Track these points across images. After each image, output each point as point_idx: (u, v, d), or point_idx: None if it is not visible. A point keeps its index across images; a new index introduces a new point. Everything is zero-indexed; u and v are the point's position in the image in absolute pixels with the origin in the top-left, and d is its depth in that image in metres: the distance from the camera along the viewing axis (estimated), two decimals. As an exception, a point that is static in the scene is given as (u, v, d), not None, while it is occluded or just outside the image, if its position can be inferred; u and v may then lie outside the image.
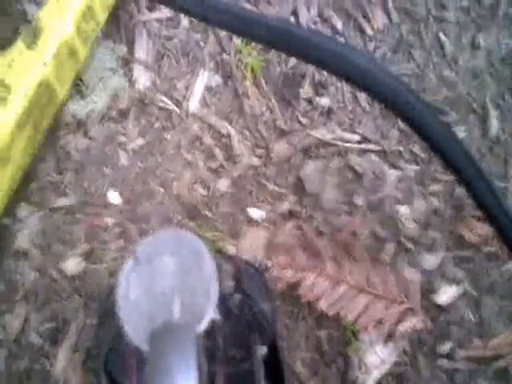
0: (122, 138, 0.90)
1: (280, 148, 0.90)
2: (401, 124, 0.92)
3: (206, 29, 0.97)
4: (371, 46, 0.98)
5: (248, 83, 0.94)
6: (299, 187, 0.88)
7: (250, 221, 0.85)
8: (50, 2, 0.83)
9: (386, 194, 0.87)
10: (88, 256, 0.83)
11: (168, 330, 0.39)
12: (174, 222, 0.85)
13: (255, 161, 0.90)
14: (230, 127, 0.92)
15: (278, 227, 0.85)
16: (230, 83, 0.94)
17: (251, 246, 0.83)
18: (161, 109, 0.92)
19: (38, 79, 0.80)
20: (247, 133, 0.92)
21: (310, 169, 0.89)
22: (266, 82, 0.95)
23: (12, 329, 0.78)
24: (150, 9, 0.98)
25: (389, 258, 0.82)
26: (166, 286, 0.43)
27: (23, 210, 0.85)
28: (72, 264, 0.82)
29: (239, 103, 0.93)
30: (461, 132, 0.93)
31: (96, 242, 0.83)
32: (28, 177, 0.87)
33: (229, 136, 0.91)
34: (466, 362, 0.80)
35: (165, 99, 0.92)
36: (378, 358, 0.76)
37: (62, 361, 0.76)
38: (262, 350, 0.59)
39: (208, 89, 0.94)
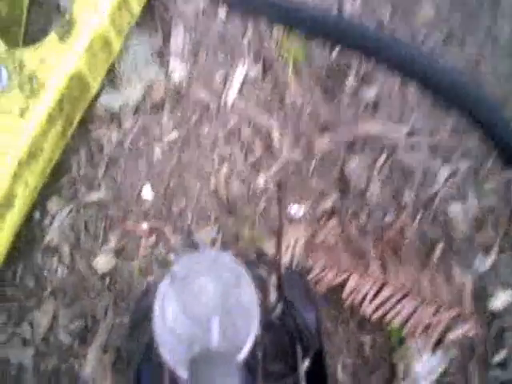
0: (157, 131, 0.95)
1: (323, 142, 0.93)
2: (454, 116, 0.94)
3: (244, 20, 1.02)
4: (420, 37, 1.00)
5: (289, 74, 0.98)
6: (343, 183, 0.92)
7: (290, 218, 0.89)
8: (84, -8, 0.89)
9: (437, 191, 0.90)
10: (119, 253, 0.88)
11: (208, 359, 0.40)
12: (210, 219, 0.89)
13: (296, 155, 0.94)
14: (270, 120, 0.96)
15: (319, 225, 0.89)
16: (270, 74, 0.99)
17: (290, 245, 0.86)
18: (197, 101, 0.97)
19: (70, 72, 0.87)
20: (288, 126, 0.96)
21: (355, 164, 0.92)
22: (309, 73, 0.98)
23: (40, 326, 0.85)
24: (186, 0, 1.03)
25: (439, 260, 0.85)
26: (204, 308, 0.45)
27: (54, 204, 0.92)
28: (103, 260, 0.87)
29: (280, 95, 0.98)
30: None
31: (128, 239, 0.88)
32: (60, 170, 0.93)
33: (269, 129, 0.95)
34: (522, 372, 0.81)
35: (201, 91, 0.97)
36: (425, 366, 0.78)
37: (92, 361, 0.82)
38: (305, 364, 0.62)
39: (247, 80, 0.99)
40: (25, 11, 1.02)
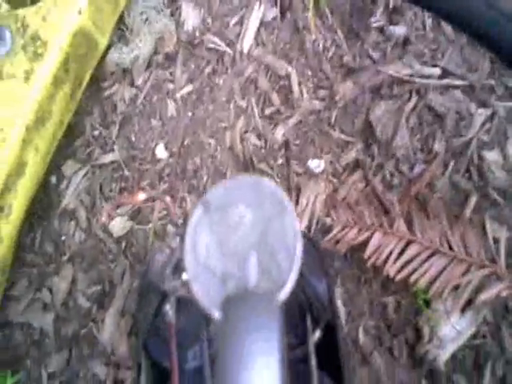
0: (170, 86, 0.92)
1: (346, 88, 0.88)
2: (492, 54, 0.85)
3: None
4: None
5: (310, 15, 0.92)
6: (368, 133, 0.87)
7: (310, 173, 0.84)
8: None
9: (472, 138, 0.83)
10: (135, 216, 0.87)
11: (245, 299, 0.36)
12: (226, 177, 0.87)
13: (317, 104, 0.89)
14: (289, 67, 0.92)
15: (341, 180, 0.84)
16: (288, 16, 0.94)
17: (310, 201, 0.82)
18: (211, 51, 0.94)
19: (73, 29, 0.84)
20: (309, 73, 0.91)
21: (381, 111, 0.86)
22: (331, 13, 0.93)
23: (59, 292, 0.86)
24: None
25: (471, 214, 0.79)
26: (241, 241, 0.40)
27: (69, 168, 0.91)
28: (118, 224, 0.86)
29: (300, 39, 0.93)
30: None
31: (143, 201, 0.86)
32: (73, 132, 0.92)
33: (288, 77, 0.91)
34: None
35: (216, 40, 0.94)
36: (453, 329, 0.74)
37: (110, 326, 0.83)
38: (315, 336, 0.59)
39: (264, 24, 0.94)
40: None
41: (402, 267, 0.77)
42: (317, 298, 0.60)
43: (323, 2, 0.92)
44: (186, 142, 0.90)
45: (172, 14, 0.96)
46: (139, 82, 0.94)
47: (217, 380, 0.31)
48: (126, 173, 0.91)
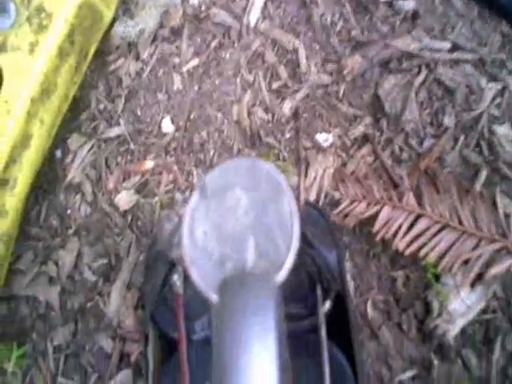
0: (176, 60, 0.90)
1: (354, 62, 0.86)
2: (504, 26, 0.83)
3: None
4: None
5: (318, -12, 0.89)
6: (376, 107, 0.85)
7: (318, 147, 0.83)
8: None
9: (482, 112, 0.81)
10: (141, 189, 0.86)
11: (241, 281, 0.36)
12: (233, 151, 0.84)
13: (325, 78, 0.87)
14: (296, 41, 0.90)
15: (350, 154, 0.83)
16: None
17: (318, 175, 0.80)
18: (217, 24, 0.91)
19: (78, 1, 0.82)
20: (316, 46, 0.89)
21: (390, 85, 0.85)
22: None
23: (65, 265, 0.84)
24: None
25: (481, 188, 0.78)
26: (238, 224, 0.40)
27: (74, 141, 0.90)
28: (124, 197, 0.85)
29: (307, 12, 0.91)
30: None
31: (149, 174, 0.85)
32: (78, 106, 0.91)
33: (295, 51, 0.89)
34: None
35: (222, 13, 0.92)
36: (463, 304, 0.72)
37: (116, 300, 0.81)
38: (326, 306, 0.58)
39: (271, -3, 0.91)
40: None
41: (412, 241, 0.75)
42: (327, 268, 0.59)
43: (331, -25, 0.90)
44: (192, 116, 0.88)
45: (178, -13, 0.94)
46: (145, 55, 0.92)
47: (215, 362, 0.31)
48: (132, 147, 0.88)
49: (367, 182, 0.80)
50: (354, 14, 0.89)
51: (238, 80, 0.89)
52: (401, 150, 0.82)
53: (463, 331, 0.72)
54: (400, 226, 0.76)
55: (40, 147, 0.84)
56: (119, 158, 0.89)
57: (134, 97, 0.91)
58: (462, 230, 0.75)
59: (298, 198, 0.57)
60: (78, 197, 0.88)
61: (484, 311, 0.73)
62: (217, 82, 0.89)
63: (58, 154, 0.91)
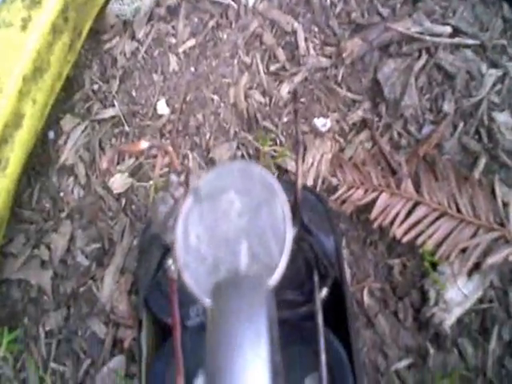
0: (172, 40, 0.89)
1: (354, 45, 0.84)
2: (506, 10, 0.82)
3: None
4: None
5: (317, -31, 0.87)
6: (375, 92, 0.84)
7: (316, 132, 0.81)
8: None
9: (482, 99, 0.80)
10: (135, 172, 0.84)
11: (234, 284, 0.36)
12: (229, 134, 0.83)
13: (324, 61, 0.86)
14: (295, 23, 0.88)
15: (348, 139, 0.81)
16: None
17: (316, 160, 0.79)
18: (215, 4, 0.90)
19: None
20: (315, 29, 0.87)
21: (390, 69, 0.83)
22: None
23: (57, 249, 0.83)
24: None
25: (480, 176, 0.76)
26: (231, 227, 0.40)
27: (68, 122, 0.88)
28: (118, 180, 0.83)
29: (306, -7, 0.87)
30: None
31: (143, 157, 0.83)
32: (72, 86, 0.89)
33: (294, 33, 0.88)
34: None
35: (220, -8, 0.88)
36: (459, 293, 0.72)
37: (109, 284, 0.80)
38: (323, 293, 0.57)
39: (270, -23, 0.89)
40: None
41: (409, 229, 0.74)
42: (324, 254, 0.59)
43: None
44: (188, 98, 0.86)
45: (175, -37, 0.91)
46: (140, 35, 0.90)
47: (207, 363, 0.31)
48: (127, 128, 0.87)
49: (365, 168, 0.79)
50: (354, -4, 0.87)
51: (236, 62, 0.87)
52: (399, 135, 0.81)
53: (459, 320, 0.72)
54: (397, 214, 0.75)
55: (32, 127, 0.82)
56: (113, 140, 0.87)
57: (128, 77, 0.89)
58: (460, 218, 0.74)
59: (295, 184, 0.55)
60: (71, 179, 0.87)
61: (481, 300, 0.72)
62: (213, 63, 0.87)
63: (51, 134, 0.89)
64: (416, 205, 0.75)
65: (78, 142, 0.87)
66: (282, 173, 0.81)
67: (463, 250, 0.72)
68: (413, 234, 0.74)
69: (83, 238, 0.83)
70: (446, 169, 0.76)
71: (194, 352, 0.56)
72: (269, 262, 0.39)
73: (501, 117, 0.80)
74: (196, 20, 0.90)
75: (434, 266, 0.73)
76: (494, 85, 0.81)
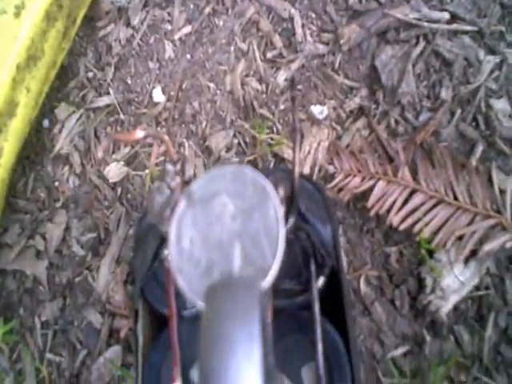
0: (168, 27, 0.88)
1: (351, 32, 0.84)
2: (504, -2, 0.82)
3: None
4: None
5: (314, -46, 0.86)
6: (373, 78, 0.84)
7: (313, 120, 0.81)
8: None
9: (480, 86, 0.80)
10: (131, 161, 0.84)
11: (228, 287, 0.36)
12: (225, 122, 0.83)
13: (321, 48, 0.85)
14: (292, 9, 0.88)
15: (345, 127, 0.81)
16: None
17: (313, 148, 0.79)
18: None
19: None
20: (312, 15, 0.87)
21: (387, 56, 0.83)
22: None
23: (53, 239, 0.83)
24: None
25: (477, 163, 0.76)
26: (224, 230, 0.41)
27: (62, 111, 0.88)
28: (114, 169, 0.83)
29: (303, -21, 0.87)
30: None
31: (139, 146, 0.83)
32: (67, 73, 0.89)
33: (290, 19, 0.87)
34: None
35: (216, -22, 0.88)
36: (456, 280, 0.72)
37: (105, 274, 0.80)
38: (319, 282, 0.57)
39: (266, -38, 0.88)
40: None
41: (406, 216, 0.74)
42: (322, 243, 0.59)
43: None
44: (184, 86, 0.86)
45: (170, -51, 0.90)
46: (135, 22, 0.89)
47: (201, 364, 0.32)
48: (122, 117, 0.87)
49: (362, 155, 0.79)
50: (351, -18, 0.87)
51: (232, 49, 0.87)
52: (397, 123, 0.80)
53: (456, 308, 0.72)
54: (394, 201, 0.75)
55: (27, 116, 0.82)
56: (108, 129, 0.87)
57: (124, 65, 0.88)
58: (457, 206, 0.74)
59: (292, 172, 0.55)
60: (66, 168, 0.87)
61: (477, 288, 0.72)
62: (210, 50, 0.87)
63: (46, 123, 0.89)
64: (413, 192, 0.75)
65: (73, 130, 0.87)
66: (278, 161, 0.81)
67: (460, 238, 0.73)
68: (409, 221, 0.74)
69: (79, 227, 0.83)
70: (443, 156, 0.76)
71: (190, 342, 0.56)
72: (262, 263, 0.39)
73: (498, 104, 0.79)
74: (192, 6, 0.89)
75: (430, 253, 0.73)
76: (492, 71, 0.81)
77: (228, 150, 0.82)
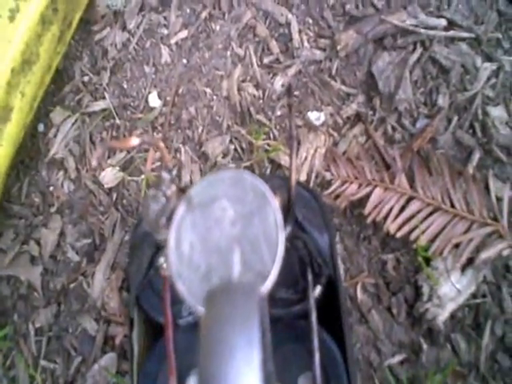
0: (164, 31, 0.88)
1: (348, 38, 0.84)
2: (501, 3, 0.81)
3: None
4: None
5: (312, -42, 0.86)
6: (370, 85, 0.84)
7: (310, 126, 0.81)
8: None
9: (476, 93, 0.80)
10: (126, 166, 0.84)
11: (227, 292, 0.36)
12: (222, 128, 0.83)
13: (318, 54, 0.85)
14: (289, 14, 0.87)
15: (341, 133, 0.81)
16: None
17: (309, 155, 0.79)
18: None
19: None
20: (310, 20, 0.87)
21: (384, 62, 0.83)
22: None
23: (47, 244, 0.83)
24: None
25: (474, 170, 0.77)
26: (224, 235, 0.41)
27: (58, 115, 0.88)
28: (109, 174, 0.83)
29: (300, -16, 0.87)
30: None
31: (135, 151, 0.83)
32: (62, 78, 0.88)
33: (287, 25, 0.87)
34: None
35: (213, -18, 0.87)
36: (453, 288, 0.72)
37: (100, 280, 0.80)
38: (316, 292, 0.57)
39: (263, -33, 0.88)
40: None
41: (403, 224, 0.74)
42: (318, 252, 0.58)
43: None
44: (180, 91, 0.85)
45: (166, -47, 0.90)
46: (131, 26, 0.89)
47: (200, 370, 0.32)
48: (118, 121, 0.86)
49: (359, 162, 0.79)
50: (348, -12, 0.87)
51: (228, 54, 0.86)
52: (394, 129, 0.80)
53: (453, 316, 0.72)
54: (391, 208, 0.75)
55: (21, 120, 0.81)
56: (104, 134, 0.86)
57: (119, 69, 0.88)
58: (454, 213, 0.74)
59: (289, 180, 0.55)
60: (61, 173, 0.86)
61: (474, 296, 0.72)
62: (206, 55, 0.87)
63: (41, 128, 0.89)
64: (410, 200, 0.75)
65: (68, 135, 0.87)
66: (275, 167, 0.80)
67: (457, 245, 0.73)
68: (406, 229, 0.74)
69: (73, 233, 0.83)
70: (440, 163, 0.76)
71: (186, 351, 0.55)
72: (261, 269, 0.39)
73: (495, 111, 0.79)
74: (188, 11, 0.89)
75: (427, 261, 0.73)
76: (489, 79, 0.81)
77: (224, 155, 0.82)
